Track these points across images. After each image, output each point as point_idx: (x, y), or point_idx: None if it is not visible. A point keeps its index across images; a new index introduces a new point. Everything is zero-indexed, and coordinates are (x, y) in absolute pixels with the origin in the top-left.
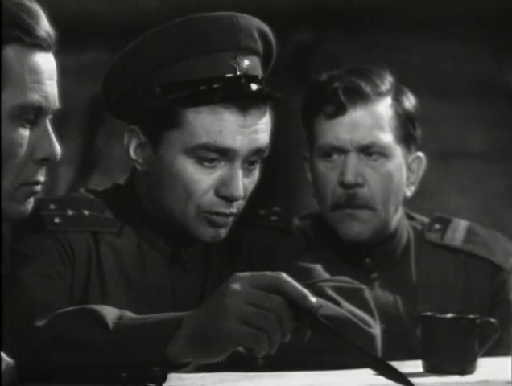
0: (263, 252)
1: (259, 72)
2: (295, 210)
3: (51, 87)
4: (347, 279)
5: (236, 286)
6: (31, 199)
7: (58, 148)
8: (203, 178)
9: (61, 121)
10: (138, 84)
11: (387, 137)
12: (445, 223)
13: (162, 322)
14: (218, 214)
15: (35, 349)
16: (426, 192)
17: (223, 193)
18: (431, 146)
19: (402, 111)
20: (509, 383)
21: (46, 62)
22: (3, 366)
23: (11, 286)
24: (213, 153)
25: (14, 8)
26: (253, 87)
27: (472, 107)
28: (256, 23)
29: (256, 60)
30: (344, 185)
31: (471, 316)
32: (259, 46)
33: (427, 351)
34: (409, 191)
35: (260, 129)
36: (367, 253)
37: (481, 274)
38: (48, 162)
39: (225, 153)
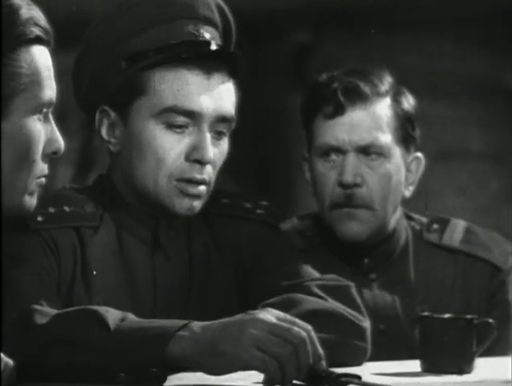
0: (250, 245)
1: (218, 42)
2: (294, 210)
3: (55, 82)
4: (334, 277)
5: (263, 316)
6: (37, 192)
7: (62, 141)
8: (173, 145)
9: (59, 121)
10: (105, 64)
11: (386, 138)
12: (444, 223)
13: (164, 325)
14: (190, 181)
15: (35, 348)
16: (425, 192)
17: (193, 157)
18: (430, 147)
19: (401, 111)
20: (508, 382)
21: (50, 58)
22: (3, 366)
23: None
24: (181, 118)
25: (27, 8)
26: (213, 46)
27: (472, 107)
28: None
29: (215, 33)
30: (342, 185)
31: (469, 316)
32: (217, 18)
33: (426, 350)
34: (408, 192)
35: (225, 95)
36: (365, 253)
37: (480, 274)
38: (56, 155)
39: (192, 117)
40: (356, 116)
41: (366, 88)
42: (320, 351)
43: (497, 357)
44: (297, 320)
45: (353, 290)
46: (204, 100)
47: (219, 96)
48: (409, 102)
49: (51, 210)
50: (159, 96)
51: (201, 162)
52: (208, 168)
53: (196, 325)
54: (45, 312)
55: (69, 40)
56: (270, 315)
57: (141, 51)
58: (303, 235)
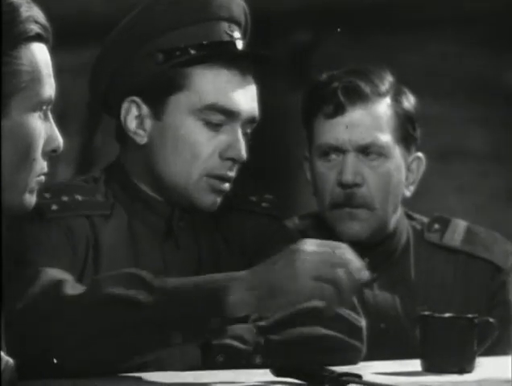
0: (256, 238)
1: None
2: (295, 209)
3: (53, 79)
4: None
5: (305, 247)
6: (36, 191)
7: (61, 139)
8: (208, 142)
9: (60, 120)
10: (136, 55)
11: (386, 138)
12: (445, 223)
13: (215, 278)
14: (219, 178)
15: (74, 315)
16: (425, 192)
17: (228, 155)
18: (430, 146)
19: (402, 111)
20: (508, 382)
21: (49, 55)
22: (3, 365)
23: (23, 274)
24: (220, 116)
25: (27, 6)
26: (252, 49)
27: (472, 107)
28: (242, 1)
29: (240, 33)
30: (342, 184)
31: (469, 315)
32: (243, 21)
33: (426, 350)
34: (408, 192)
35: (255, 96)
36: (366, 253)
37: (480, 275)
38: (55, 153)
39: (229, 116)
40: (356, 115)
41: (366, 88)
42: (359, 263)
43: (497, 356)
44: (331, 242)
45: None
46: (242, 101)
47: (252, 97)
48: (410, 102)
49: (65, 198)
50: (200, 93)
51: (235, 160)
52: (236, 167)
53: (242, 273)
54: (74, 283)
55: (68, 38)
56: (309, 245)
57: (180, 46)
58: (304, 234)
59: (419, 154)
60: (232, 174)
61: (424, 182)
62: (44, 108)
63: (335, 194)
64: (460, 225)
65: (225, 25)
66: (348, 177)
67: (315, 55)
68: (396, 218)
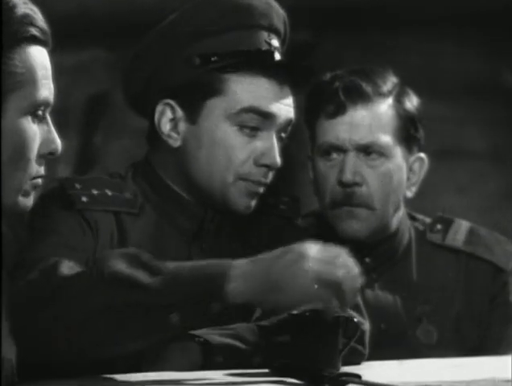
0: (271, 240)
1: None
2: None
3: (52, 83)
4: None
5: (310, 249)
6: (33, 193)
7: (60, 142)
8: (244, 147)
9: (59, 120)
10: (174, 59)
11: (387, 138)
12: (447, 223)
13: (217, 263)
14: (254, 182)
15: (74, 293)
16: (424, 192)
17: (263, 161)
18: (430, 146)
19: (404, 112)
20: (508, 382)
21: (48, 58)
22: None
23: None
24: (256, 119)
25: (23, 7)
26: (285, 60)
27: (472, 107)
28: (282, 10)
29: (279, 42)
30: (342, 184)
31: (336, 313)
32: (282, 30)
33: (295, 348)
34: (410, 192)
35: (291, 105)
36: (367, 253)
37: (482, 275)
38: (53, 156)
39: (266, 117)
40: (357, 115)
41: (368, 88)
42: (356, 270)
43: (497, 356)
44: (333, 247)
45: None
46: (279, 106)
47: (289, 104)
48: (412, 103)
49: (95, 192)
50: (237, 98)
51: (269, 167)
52: (271, 172)
53: (242, 261)
54: (73, 265)
55: (68, 38)
56: (313, 247)
57: (219, 52)
58: (306, 232)
59: (422, 155)
60: (266, 180)
61: (423, 182)
62: (41, 110)
63: (335, 192)
64: (462, 226)
65: (264, 34)
66: (348, 176)
67: (315, 55)
68: (398, 218)
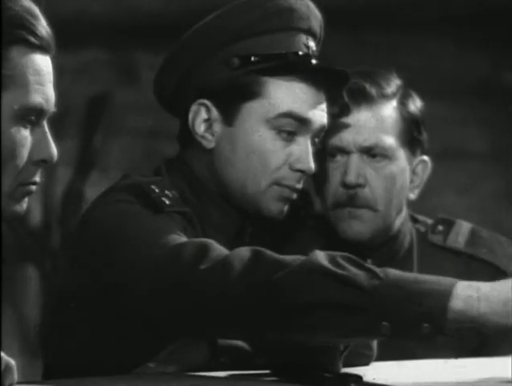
0: (288, 246)
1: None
2: None
3: (50, 89)
4: None
5: None
6: (26, 199)
7: (55, 150)
8: (280, 151)
9: (59, 121)
10: (211, 59)
11: (390, 140)
12: (448, 225)
13: (439, 281)
14: (288, 187)
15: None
16: (424, 192)
17: (298, 167)
18: (431, 146)
19: (408, 114)
20: (508, 382)
21: (46, 64)
22: (3, 366)
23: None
24: (293, 124)
25: (18, 9)
26: (324, 64)
27: (472, 107)
28: (319, 13)
29: (316, 45)
30: (345, 185)
31: None
32: (319, 33)
33: None
34: (413, 194)
35: (325, 108)
36: (369, 254)
37: (484, 277)
38: (46, 163)
39: (303, 123)
40: (361, 117)
41: (372, 90)
42: None
43: (497, 357)
44: None
45: None
46: (316, 111)
47: (323, 110)
48: (416, 105)
49: (168, 193)
50: (275, 102)
51: (304, 172)
52: (304, 178)
53: (481, 284)
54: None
55: (68, 38)
56: None
57: (257, 53)
58: (308, 233)
59: (425, 158)
60: (300, 185)
61: (424, 182)
62: (33, 116)
63: (338, 194)
64: (464, 227)
65: (303, 37)
66: (351, 178)
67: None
68: (400, 220)
